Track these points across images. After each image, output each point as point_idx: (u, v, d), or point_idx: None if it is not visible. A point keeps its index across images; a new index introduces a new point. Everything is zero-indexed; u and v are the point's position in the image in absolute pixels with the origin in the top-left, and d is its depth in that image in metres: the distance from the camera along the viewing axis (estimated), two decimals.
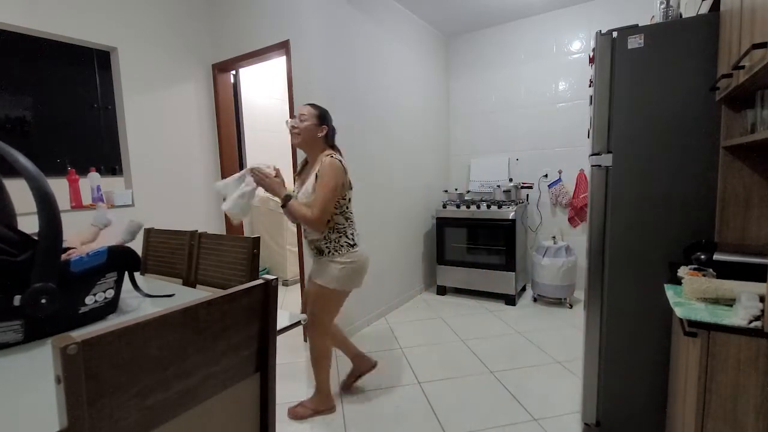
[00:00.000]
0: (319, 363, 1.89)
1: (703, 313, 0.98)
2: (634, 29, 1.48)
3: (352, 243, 1.79)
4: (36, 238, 0.86)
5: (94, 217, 1.48)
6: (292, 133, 1.78)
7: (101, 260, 1.02)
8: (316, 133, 1.77)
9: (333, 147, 1.84)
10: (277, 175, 1.73)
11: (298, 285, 2.90)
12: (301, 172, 1.89)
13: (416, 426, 1.81)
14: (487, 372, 2.27)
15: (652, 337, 1.53)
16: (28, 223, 1.06)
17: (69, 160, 2.67)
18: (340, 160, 1.73)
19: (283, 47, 2.61)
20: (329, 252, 1.76)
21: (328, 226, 1.75)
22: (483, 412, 1.89)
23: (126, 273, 1.15)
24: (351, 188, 1.80)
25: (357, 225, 1.84)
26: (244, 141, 4.22)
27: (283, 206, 1.69)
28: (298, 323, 1.05)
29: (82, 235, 1.35)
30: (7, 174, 1.07)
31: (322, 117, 1.80)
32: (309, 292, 1.85)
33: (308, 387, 2.19)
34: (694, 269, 1.19)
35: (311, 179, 1.73)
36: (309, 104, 1.82)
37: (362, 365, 2.11)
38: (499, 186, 3.72)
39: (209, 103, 3.08)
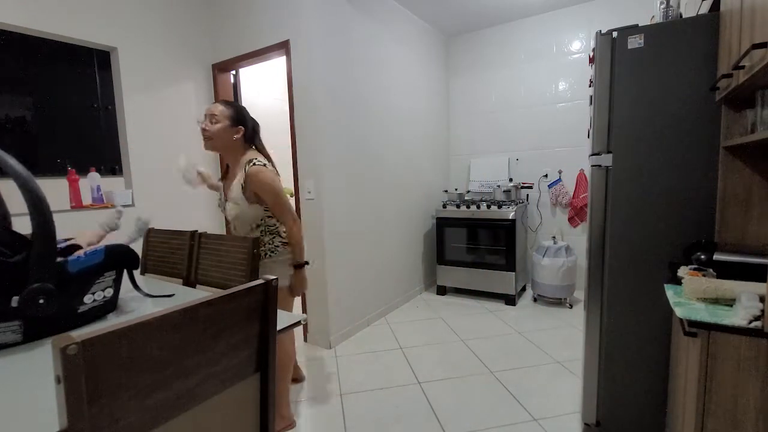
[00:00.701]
0: (285, 369, 1.75)
1: (703, 313, 0.98)
2: (634, 29, 1.48)
3: (285, 240, 1.72)
4: (29, 239, 0.86)
5: (106, 221, 1.44)
6: (203, 136, 1.61)
7: (98, 259, 1.02)
8: (231, 135, 1.60)
9: (256, 147, 1.69)
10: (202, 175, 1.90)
11: None
12: (225, 176, 1.79)
13: (416, 426, 1.81)
14: (487, 372, 2.27)
15: (652, 337, 1.53)
16: (25, 224, 1.05)
17: (69, 160, 2.67)
18: (264, 164, 1.60)
19: (283, 47, 2.61)
20: (266, 254, 1.69)
21: (260, 230, 1.69)
22: (483, 412, 1.89)
23: (126, 272, 1.15)
24: None
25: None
26: None
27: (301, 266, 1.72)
28: (298, 323, 1.05)
29: (86, 236, 1.33)
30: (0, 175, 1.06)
31: (238, 116, 1.62)
32: None
33: (308, 387, 2.19)
34: (694, 269, 1.19)
35: (236, 190, 1.62)
36: (221, 102, 1.64)
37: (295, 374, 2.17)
38: (499, 186, 3.72)
39: (209, 104, 3.08)
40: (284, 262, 1.71)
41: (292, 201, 3.18)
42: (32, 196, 0.81)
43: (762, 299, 0.93)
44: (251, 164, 1.59)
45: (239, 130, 1.63)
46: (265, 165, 1.61)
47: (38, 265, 0.84)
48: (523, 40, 3.75)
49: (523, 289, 3.75)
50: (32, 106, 2.60)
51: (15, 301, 0.84)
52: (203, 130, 1.60)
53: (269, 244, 1.70)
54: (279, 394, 1.76)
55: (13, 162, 0.82)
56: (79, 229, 1.39)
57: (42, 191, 0.83)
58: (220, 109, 1.61)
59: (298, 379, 2.21)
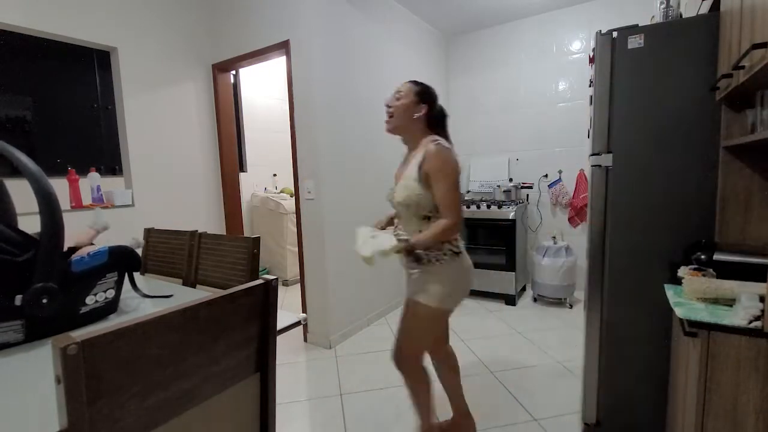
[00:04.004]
0: (414, 400, 1.56)
1: (703, 313, 0.98)
2: (634, 29, 1.48)
3: (457, 251, 1.43)
4: (37, 238, 0.86)
5: (93, 221, 1.45)
6: (387, 114, 1.48)
7: (102, 260, 1.02)
8: (412, 113, 1.44)
9: (439, 132, 1.49)
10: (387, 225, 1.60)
11: (298, 285, 2.91)
12: (401, 167, 1.54)
13: (416, 426, 1.81)
14: (487, 372, 2.27)
15: (652, 337, 1.53)
16: (29, 223, 1.06)
17: (69, 160, 2.67)
18: (449, 148, 1.39)
19: (283, 47, 2.61)
20: (430, 260, 1.41)
21: (430, 224, 1.39)
22: (483, 412, 1.89)
23: (126, 273, 1.15)
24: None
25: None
26: (244, 141, 4.22)
27: (410, 253, 1.40)
28: (298, 323, 1.05)
29: (79, 236, 1.33)
30: (8, 174, 1.07)
31: (424, 94, 1.47)
32: (408, 312, 1.55)
33: (308, 387, 2.19)
34: (694, 269, 1.19)
35: (412, 169, 1.40)
36: (410, 81, 1.51)
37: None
38: (499, 186, 3.72)
39: (209, 103, 3.08)
40: (448, 275, 1.42)
41: (292, 201, 3.11)
42: (44, 194, 0.81)
43: (762, 299, 0.93)
44: (435, 143, 1.38)
45: (422, 108, 1.45)
46: (450, 149, 1.39)
47: (43, 264, 0.84)
48: (523, 40, 3.75)
49: (523, 289, 3.75)
50: (32, 106, 2.60)
51: (18, 299, 0.84)
52: (387, 107, 1.48)
53: (435, 249, 1.40)
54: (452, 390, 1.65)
55: (25, 159, 0.82)
56: (77, 229, 1.39)
57: (53, 190, 0.83)
58: (406, 86, 1.48)
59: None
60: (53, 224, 0.83)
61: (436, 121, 1.50)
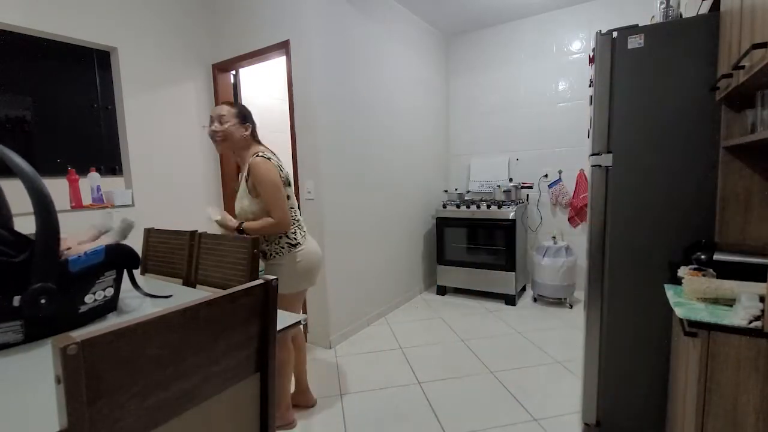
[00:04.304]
0: (279, 371, 1.73)
1: (703, 313, 0.98)
2: (634, 29, 1.48)
3: (293, 243, 1.71)
4: (33, 238, 0.86)
5: (99, 222, 1.44)
6: (214, 140, 1.67)
7: (99, 259, 1.02)
8: (241, 133, 1.67)
9: (260, 144, 1.75)
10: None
11: None
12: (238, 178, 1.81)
13: (416, 426, 1.81)
14: (487, 372, 2.27)
15: (652, 337, 1.53)
16: (24, 224, 1.05)
17: (69, 160, 2.67)
18: (269, 157, 1.65)
19: (283, 47, 2.61)
20: (270, 255, 1.72)
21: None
22: (483, 412, 1.89)
23: (125, 272, 1.15)
24: (289, 185, 1.71)
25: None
26: None
27: (240, 232, 1.64)
28: (297, 323, 1.05)
29: (79, 235, 1.33)
30: (2, 174, 1.06)
31: (245, 114, 1.70)
32: None
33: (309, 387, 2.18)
34: (694, 269, 1.19)
35: (242, 184, 1.67)
36: (224, 102, 1.72)
37: (301, 401, 1.98)
38: (499, 186, 3.72)
39: (209, 103, 3.08)
40: (288, 265, 1.71)
41: None
42: (38, 194, 0.81)
43: (762, 299, 0.93)
44: (256, 155, 1.63)
45: (247, 127, 1.70)
46: (269, 158, 1.64)
47: (41, 265, 0.84)
48: (523, 40, 3.75)
49: (523, 289, 3.75)
50: (32, 106, 2.60)
51: (17, 300, 0.84)
52: (215, 132, 1.65)
53: (274, 244, 1.71)
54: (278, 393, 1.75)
55: (19, 160, 0.82)
56: (78, 229, 1.39)
57: (47, 190, 0.83)
58: (226, 109, 1.66)
59: (306, 404, 1.98)
60: (49, 224, 0.83)
61: (255, 135, 1.74)
